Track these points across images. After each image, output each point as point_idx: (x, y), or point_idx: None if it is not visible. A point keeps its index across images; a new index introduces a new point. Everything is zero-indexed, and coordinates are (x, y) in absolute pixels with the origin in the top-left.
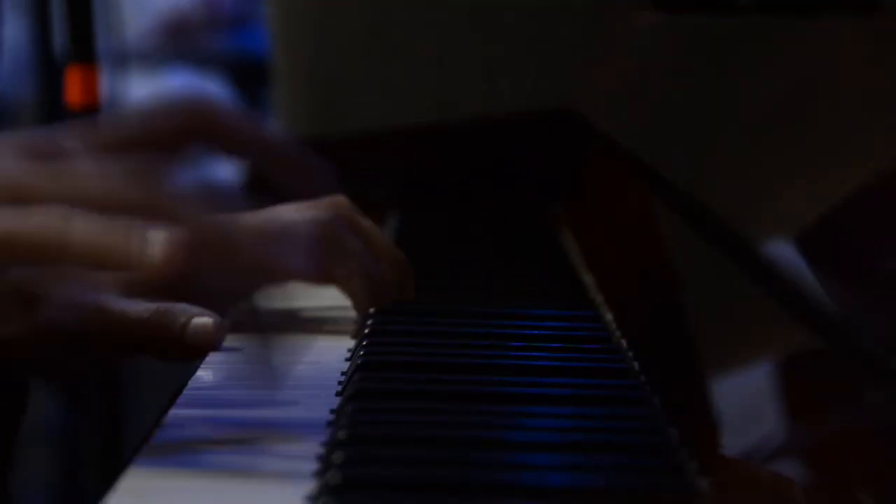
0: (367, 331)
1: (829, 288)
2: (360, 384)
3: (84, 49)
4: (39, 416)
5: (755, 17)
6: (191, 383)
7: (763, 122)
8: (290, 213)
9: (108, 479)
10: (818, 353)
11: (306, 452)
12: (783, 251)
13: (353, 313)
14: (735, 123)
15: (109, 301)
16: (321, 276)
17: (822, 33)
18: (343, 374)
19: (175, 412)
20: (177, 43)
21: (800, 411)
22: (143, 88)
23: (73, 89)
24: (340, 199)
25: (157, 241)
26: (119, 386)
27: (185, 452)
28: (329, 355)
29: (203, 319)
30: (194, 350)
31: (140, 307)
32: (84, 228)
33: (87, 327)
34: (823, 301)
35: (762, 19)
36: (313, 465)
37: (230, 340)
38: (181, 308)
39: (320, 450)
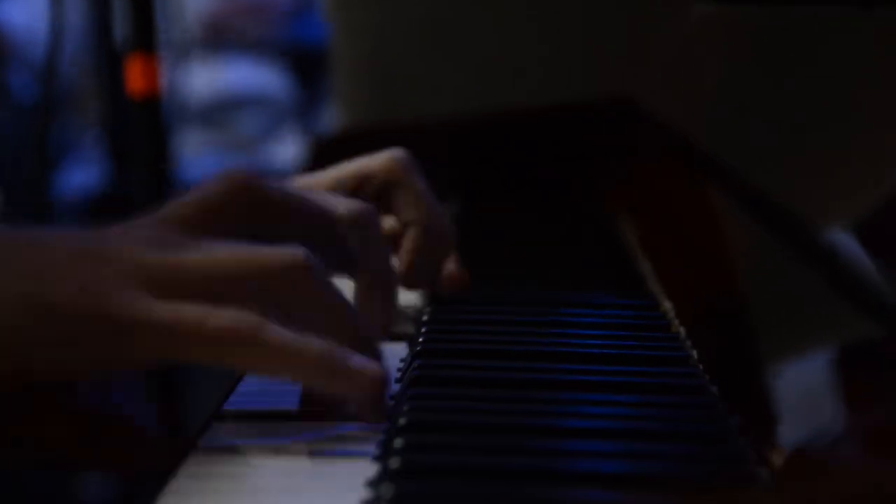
0: (426, 318)
1: (890, 277)
2: (419, 371)
3: (145, 38)
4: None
5: (810, 6)
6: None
7: (822, 110)
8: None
9: (171, 462)
10: (878, 342)
11: (367, 438)
12: (843, 239)
13: (410, 303)
14: (793, 111)
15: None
16: None
17: (879, 23)
18: (402, 361)
19: (241, 388)
20: (221, 35)
21: (859, 401)
22: (203, 77)
23: (135, 78)
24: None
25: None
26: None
27: (250, 432)
28: (388, 343)
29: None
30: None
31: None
32: (278, 336)
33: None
34: (884, 290)
35: (818, 8)
36: (374, 451)
37: None
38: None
39: (381, 436)
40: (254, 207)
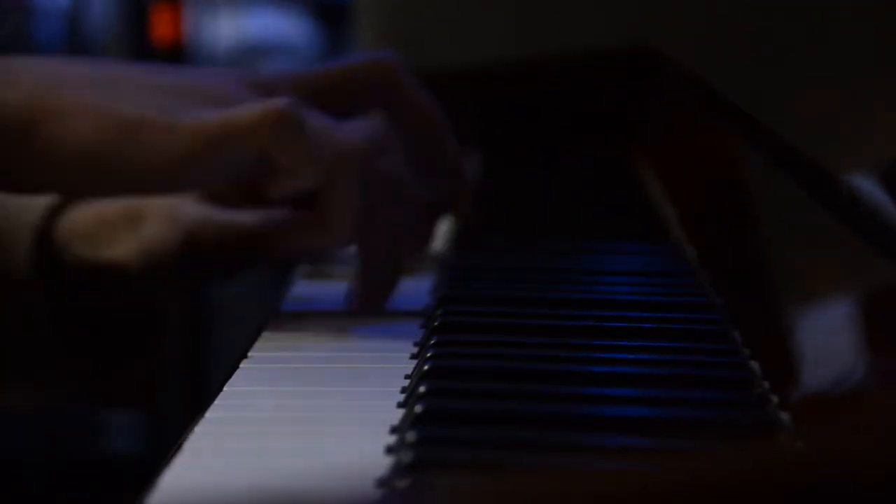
0: (450, 265)
1: None
2: (443, 318)
3: None
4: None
5: None
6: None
7: (845, 58)
8: None
9: (195, 410)
10: None
11: (391, 384)
12: (866, 185)
13: (434, 250)
14: (815, 59)
15: (218, 211)
16: None
17: None
18: (427, 307)
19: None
20: None
21: (881, 345)
22: (227, 26)
23: (159, 27)
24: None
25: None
26: (203, 320)
27: (277, 371)
28: (413, 288)
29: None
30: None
31: (247, 216)
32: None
33: (198, 239)
34: None
35: None
36: (398, 397)
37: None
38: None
39: (405, 382)
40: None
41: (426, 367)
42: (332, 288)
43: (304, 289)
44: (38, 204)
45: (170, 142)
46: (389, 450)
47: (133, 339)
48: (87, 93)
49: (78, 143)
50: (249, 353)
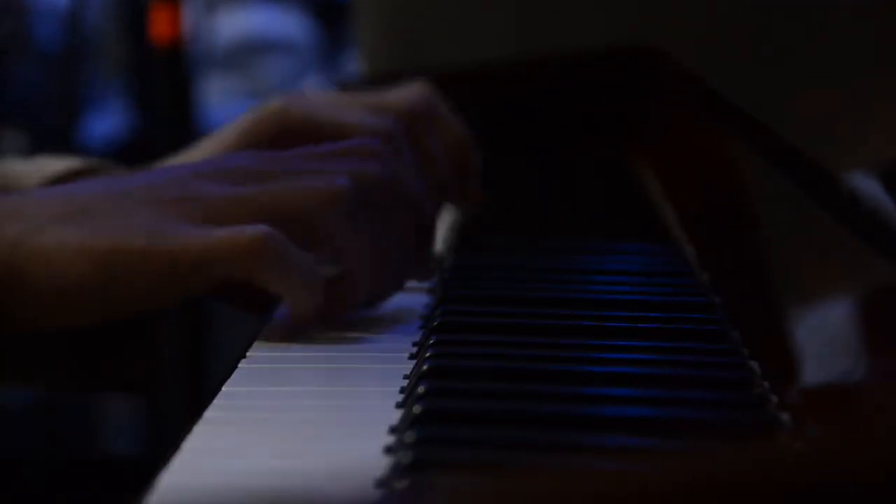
0: (449, 265)
1: None
2: (442, 317)
3: None
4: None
5: None
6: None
7: (844, 57)
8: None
9: (194, 410)
10: None
11: (391, 384)
12: (865, 185)
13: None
14: (814, 59)
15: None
16: None
17: None
18: (426, 307)
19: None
20: None
21: (880, 345)
22: (227, 24)
23: (158, 25)
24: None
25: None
26: (203, 320)
27: (274, 376)
28: (411, 290)
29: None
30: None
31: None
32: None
33: None
34: None
35: None
36: (397, 398)
37: None
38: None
39: (403, 382)
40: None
41: (425, 367)
42: None
43: None
44: None
45: (150, 270)
46: (388, 450)
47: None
48: (67, 229)
49: (61, 283)
50: (248, 353)
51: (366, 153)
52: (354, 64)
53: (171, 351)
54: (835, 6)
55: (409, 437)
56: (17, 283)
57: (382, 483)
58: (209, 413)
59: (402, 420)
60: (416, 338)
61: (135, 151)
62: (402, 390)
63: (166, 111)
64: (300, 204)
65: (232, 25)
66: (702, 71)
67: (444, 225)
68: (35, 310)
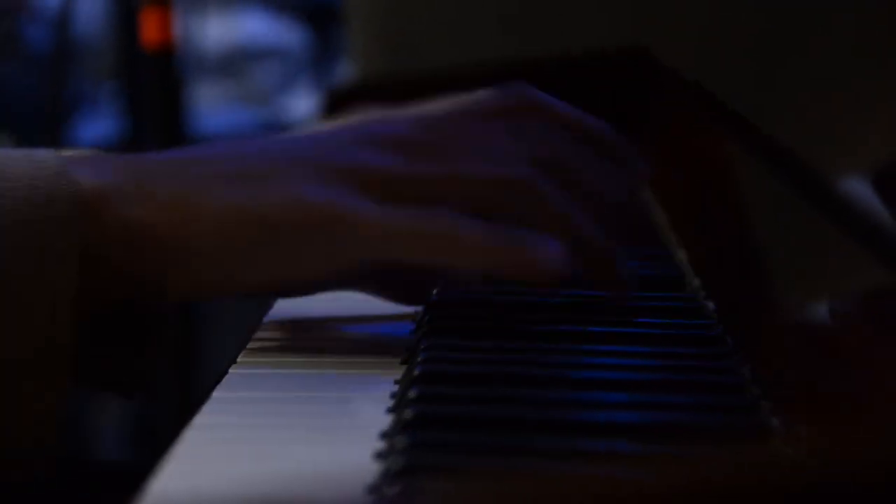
0: None
1: None
2: (433, 321)
3: None
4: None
5: None
6: (265, 319)
7: (840, 58)
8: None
9: (183, 419)
10: (893, 291)
11: (381, 389)
12: (860, 188)
13: None
14: (809, 59)
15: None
16: None
17: None
18: (417, 311)
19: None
20: None
21: (875, 350)
22: (218, 30)
23: (149, 29)
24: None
25: (547, 256)
26: (194, 325)
27: (264, 382)
28: None
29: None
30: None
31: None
32: (473, 233)
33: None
34: None
35: None
36: (388, 403)
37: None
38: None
39: (394, 387)
40: None
41: (416, 372)
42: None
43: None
44: None
45: (322, 242)
46: (379, 456)
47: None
48: (237, 190)
49: (229, 247)
50: (238, 359)
51: (532, 121)
52: (346, 70)
53: (162, 355)
54: (829, 10)
55: (401, 442)
56: (183, 243)
57: (373, 489)
58: (198, 419)
59: (393, 425)
60: (407, 342)
61: None
62: (392, 395)
63: (157, 116)
64: (489, 193)
65: (223, 31)
66: (696, 73)
67: None
68: (199, 274)
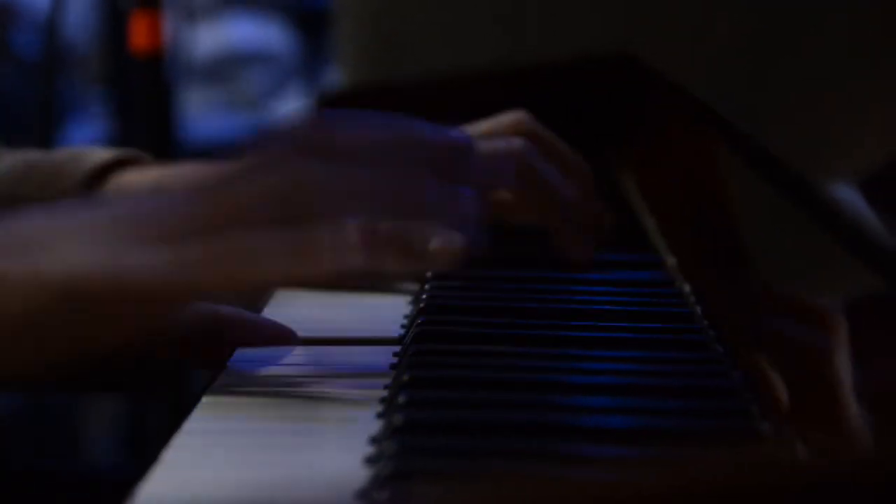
0: (430, 275)
1: (893, 230)
2: (423, 327)
3: None
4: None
5: None
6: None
7: (827, 64)
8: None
9: (174, 422)
10: (881, 296)
11: (371, 394)
12: (848, 193)
13: None
14: (798, 65)
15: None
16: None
17: None
18: (406, 317)
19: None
20: None
21: (862, 355)
22: (207, 35)
23: (138, 35)
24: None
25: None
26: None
27: (253, 390)
28: (392, 300)
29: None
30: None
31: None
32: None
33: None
34: (887, 243)
35: None
36: (378, 407)
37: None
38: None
39: (384, 392)
40: None
41: (406, 377)
42: (310, 299)
43: (284, 299)
44: None
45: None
46: (369, 461)
47: None
48: (26, 258)
49: (20, 314)
50: (228, 364)
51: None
52: (335, 75)
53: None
54: (816, 18)
55: (390, 447)
56: None
57: (363, 494)
58: (189, 424)
59: (383, 430)
60: (397, 348)
61: None
62: (382, 400)
63: (146, 121)
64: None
65: (212, 36)
66: (684, 78)
67: None
68: None
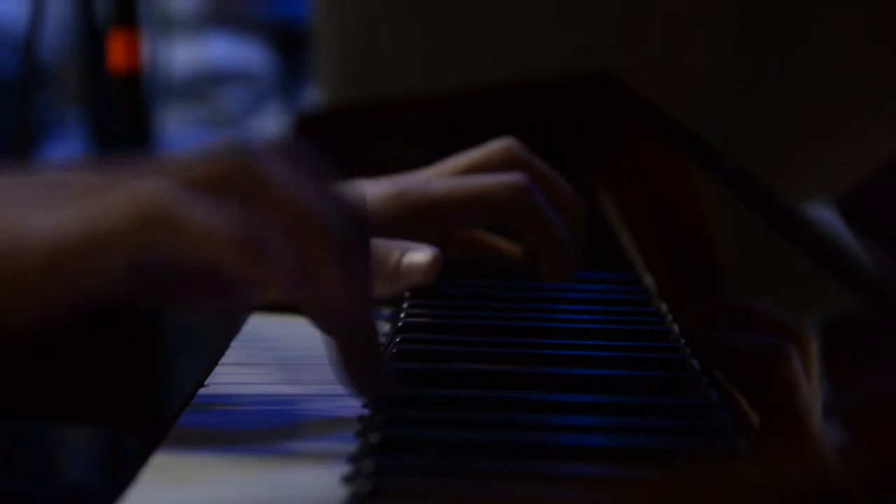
0: (408, 294)
1: (869, 250)
2: (401, 346)
3: (127, 13)
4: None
5: None
6: (233, 343)
7: (803, 84)
8: (479, 179)
9: (150, 446)
10: (858, 316)
11: (348, 413)
12: (824, 214)
13: None
14: (774, 85)
15: None
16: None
17: (862, 8)
18: (384, 336)
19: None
20: (220, 7)
21: (840, 375)
22: (185, 53)
23: (116, 54)
24: (511, 146)
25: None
26: (161, 349)
27: (230, 409)
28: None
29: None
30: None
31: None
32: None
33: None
34: (865, 265)
35: None
36: (355, 426)
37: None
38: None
39: (362, 411)
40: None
41: (382, 395)
42: (287, 318)
43: (262, 318)
44: None
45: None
46: (346, 479)
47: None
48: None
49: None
50: (206, 382)
51: None
52: (313, 94)
53: (130, 378)
54: (808, 28)
55: (368, 465)
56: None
57: None
58: (166, 442)
59: (361, 449)
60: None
61: None
62: (360, 419)
63: (124, 140)
64: None
65: (190, 55)
66: (661, 99)
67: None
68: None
